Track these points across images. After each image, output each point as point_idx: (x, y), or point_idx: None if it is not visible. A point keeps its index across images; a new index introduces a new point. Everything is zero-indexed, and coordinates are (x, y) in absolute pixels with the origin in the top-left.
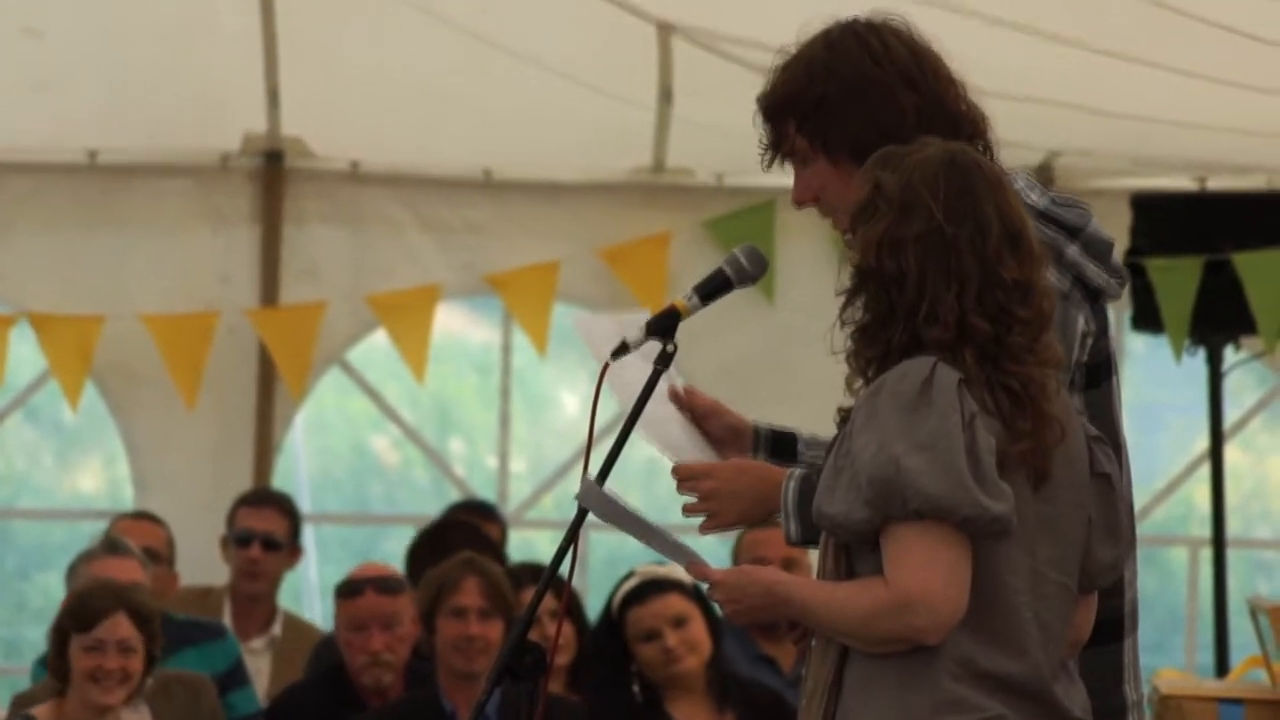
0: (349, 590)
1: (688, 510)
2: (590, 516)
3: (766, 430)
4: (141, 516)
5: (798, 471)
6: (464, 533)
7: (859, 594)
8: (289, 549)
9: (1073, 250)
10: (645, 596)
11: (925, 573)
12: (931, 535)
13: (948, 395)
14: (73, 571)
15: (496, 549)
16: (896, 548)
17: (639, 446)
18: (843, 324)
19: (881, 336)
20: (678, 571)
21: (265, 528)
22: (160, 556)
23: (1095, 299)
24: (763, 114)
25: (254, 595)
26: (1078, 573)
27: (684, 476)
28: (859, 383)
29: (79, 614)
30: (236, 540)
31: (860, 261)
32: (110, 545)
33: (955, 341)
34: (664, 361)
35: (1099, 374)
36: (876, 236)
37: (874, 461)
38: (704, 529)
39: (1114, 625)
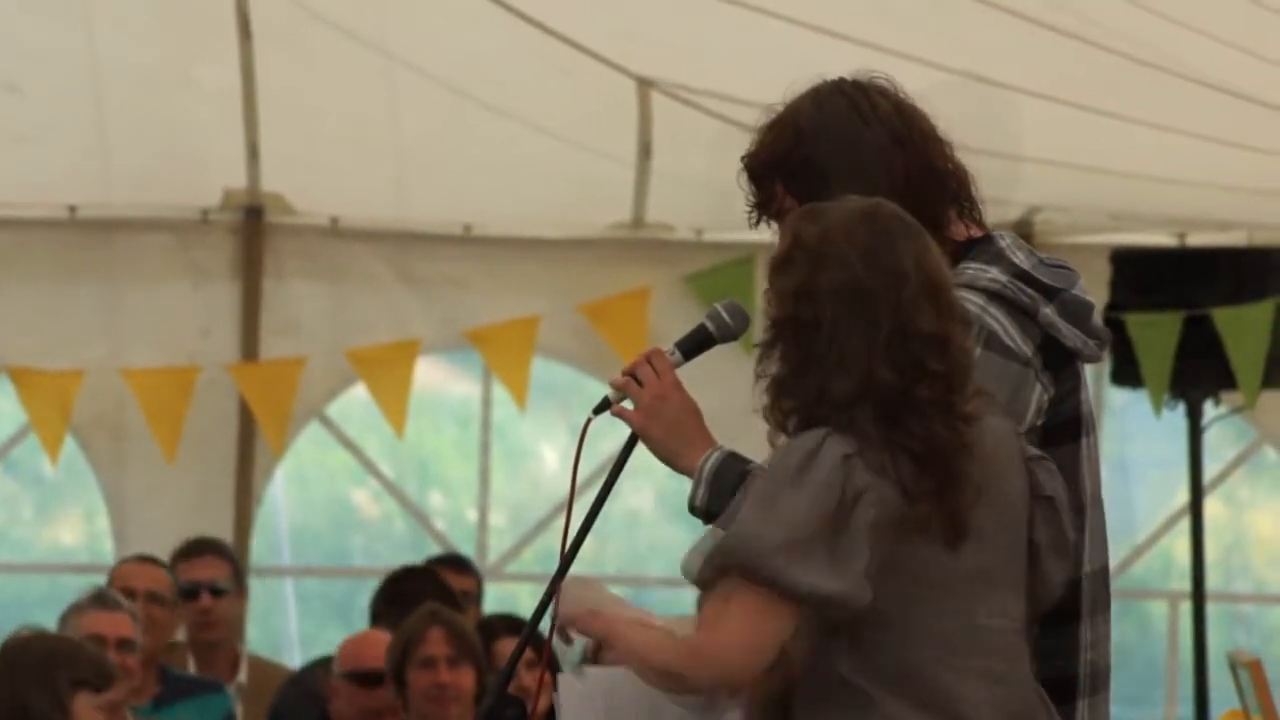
0: (368, 679)
1: None
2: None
3: None
4: (145, 560)
5: (725, 448)
6: (425, 582)
7: (664, 637)
8: (236, 591)
9: (1048, 311)
10: None
11: (722, 629)
12: (750, 597)
13: (827, 472)
14: (63, 623)
15: (454, 597)
16: (710, 601)
17: (618, 501)
18: (758, 378)
19: (799, 388)
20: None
21: (209, 575)
22: (164, 599)
23: (1069, 361)
24: (749, 174)
25: (214, 643)
26: (1023, 612)
27: None
28: (780, 438)
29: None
30: (184, 594)
31: (777, 312)
32: (99, 599)
33: (856, 397)
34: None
35: (1061, 434)
36: (794, 286)
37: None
38: None
39: (1065, 684)
